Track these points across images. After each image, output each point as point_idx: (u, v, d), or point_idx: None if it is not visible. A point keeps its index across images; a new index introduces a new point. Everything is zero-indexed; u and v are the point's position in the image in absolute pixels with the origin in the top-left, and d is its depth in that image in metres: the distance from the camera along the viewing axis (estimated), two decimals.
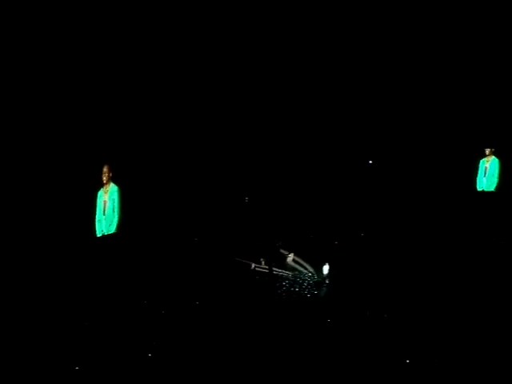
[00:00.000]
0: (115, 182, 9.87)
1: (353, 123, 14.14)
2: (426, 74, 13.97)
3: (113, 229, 9.81)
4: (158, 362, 8.04)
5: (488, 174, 12.40)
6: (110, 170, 9.83)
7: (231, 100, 13.55)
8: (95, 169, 9.91)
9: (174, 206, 12.85)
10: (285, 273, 11.21)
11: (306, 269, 11.29)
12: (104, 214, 9.80)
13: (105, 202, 9.80)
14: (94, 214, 9.86)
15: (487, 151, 12.42)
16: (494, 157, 12.41)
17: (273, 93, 13.72)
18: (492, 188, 12.41)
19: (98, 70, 12.56)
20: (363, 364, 7.97)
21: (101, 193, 9.89)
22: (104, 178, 9.80)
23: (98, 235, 9.84)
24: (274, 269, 11.28)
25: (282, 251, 11.87)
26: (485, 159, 12.48)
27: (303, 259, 11.62)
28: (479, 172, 12.52)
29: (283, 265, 11.52)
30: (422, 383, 7.58)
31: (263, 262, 11.46)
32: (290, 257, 11.74)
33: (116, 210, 9.82)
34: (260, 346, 8.45)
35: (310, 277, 10.95)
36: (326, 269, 10.95)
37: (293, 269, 11.38)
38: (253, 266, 11.35)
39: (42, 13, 12.22)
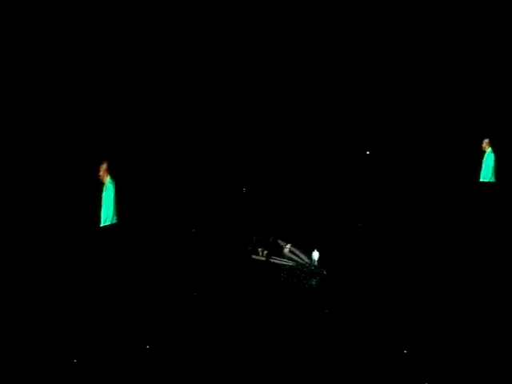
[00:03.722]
0: (112, 175, 10.02)
1: (351, 114, 14.12)
2: (426, 65, 13.95)
3: (113, 220, 9.98)
4: (156, 353, 8.07)
5: (484, 166, 12.36)
6: (108, 167, 10.01)
7: (228, 93, 13.56)
8: (95, 164, 10.08)
9: (172, 198, 12.85)
10: (282, 263, 11.24)
11: (302, 259, 11.31)
12: (105, 207, 9.98)
13: (104, 195, 9.97)
14: (96, 206, 10.04)
15: (484, 143, 12.34)
16: (490, 149, 12.34)
17: (269, 83, 13.71)
18: (487, 179, 12.36)
19: (98, 68, 12.61)
20: (360, 355, 8.00)
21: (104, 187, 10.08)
22: (102, 174, 9.98)
23: (101, 225, 10.02)
24: (272, 259, 11.32)
25: (280, 242, 11.89)
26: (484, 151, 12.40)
27: (300, 250, 11.64)
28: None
29: (281, 255, 11.54)
30: (419, 373, 7.61)
31: (261, 253, 11.49)
32: (288, 248, 11.76)
33: (114, 201, 9.97)
34: (258, 337, 8.48)
35: (306, 267, 10.98)
36: (315, 255, 11.00)
37: (290, 259, 11.40)
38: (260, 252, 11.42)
39: (43, 12, 12.27)
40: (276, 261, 11.38)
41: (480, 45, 13.80)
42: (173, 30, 13.16)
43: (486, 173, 12.36)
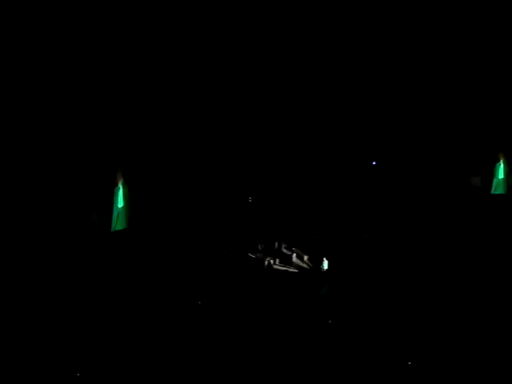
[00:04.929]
0: (125, 182, 10.70)
1: (359, 125, 14.09)
2: (438, 75, 13.88)
3: (123, 225, 10.43)
4: (161, 357, 8.10)
5: (495, 177, 12.37)
6: (122, 173, 10.68)
7: (236, 102, 13.62)
8: (110, 170, 10.68)
9: (179, 206, 12.89)
10: (288, 271, 11.28)
11: (308, 268, 11.35)
12: (116, 211, 10.50)
13: (117, 200, 10.52)
14: (108, 211, 10.57)
15: (500, 156, 12.41)
16: (502, 160, 12.37)
17: (277, 94, 13.76)
18: (498, 191, 12.35)
19: (113, 78, 12.73)
20: (363, 367, 7.99)
21: (115, 191, 10.57)
22: (117, 179, 10.63)
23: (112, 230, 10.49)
24: (278, 267, 11.36)
25: (286, 250, 11.93)
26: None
27: (306, 259, 11.67)
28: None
29: (287, 264, 11.57)
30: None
31: (267, 261, 11.52)
32: (294, 256, 11.79)
33: (124, 207, 10.51)
34: (262, 344, 8.50)
35: (312, 276, 11.01)
36: (325, 264, 11.03)
37: (296, 268, 11.44)
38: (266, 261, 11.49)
39: (60, 17, 12.36)
40: (282, 269, 11.41)
41: (496, 55, 13.73)
42: (187, 38, 13.26)
43: (496, 184, 12.36)
